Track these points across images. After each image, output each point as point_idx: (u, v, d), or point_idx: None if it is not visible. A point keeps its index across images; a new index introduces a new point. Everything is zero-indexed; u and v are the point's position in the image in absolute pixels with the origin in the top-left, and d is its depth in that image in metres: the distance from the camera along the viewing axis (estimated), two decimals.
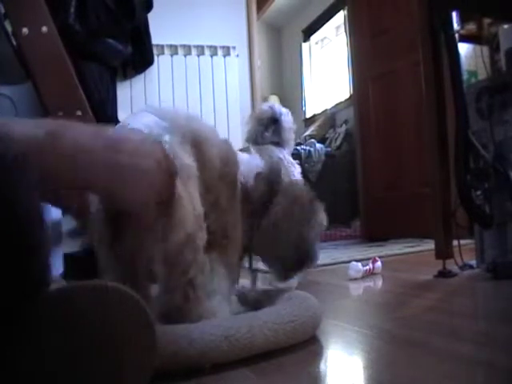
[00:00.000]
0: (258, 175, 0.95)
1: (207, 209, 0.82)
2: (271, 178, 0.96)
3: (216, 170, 0.83)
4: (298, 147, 3.47)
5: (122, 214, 0.65)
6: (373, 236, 3.02)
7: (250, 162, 0.96)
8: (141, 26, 2.31)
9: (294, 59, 5.02)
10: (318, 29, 4.67)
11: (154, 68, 2.51)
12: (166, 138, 0.73)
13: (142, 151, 0.62)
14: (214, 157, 0.83)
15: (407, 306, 1.08)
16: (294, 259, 0.94)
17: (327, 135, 4.09)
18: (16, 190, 0.46)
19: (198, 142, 0.80)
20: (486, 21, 2.08)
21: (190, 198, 0.73)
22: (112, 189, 0.59)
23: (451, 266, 1.36)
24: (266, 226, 0.93)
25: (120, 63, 2.31)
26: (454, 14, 1.36)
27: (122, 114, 2.21)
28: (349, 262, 1.54)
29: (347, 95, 3.93)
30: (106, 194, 0.62)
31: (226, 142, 0.90)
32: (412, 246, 2.28)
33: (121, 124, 0.77)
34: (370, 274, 1.47)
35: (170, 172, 0.65)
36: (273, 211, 0.94)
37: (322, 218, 1.01)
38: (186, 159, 0.74)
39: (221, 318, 0.76)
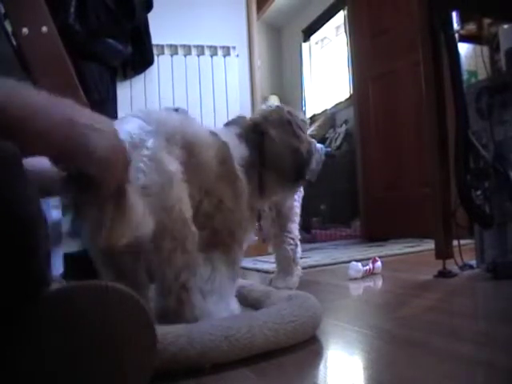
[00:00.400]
0: (239, 136, 0.96)
1: (212, 210, 0.82)
2: (250, 129, 0.98)
3: (213, 171, 0.83)
4: None
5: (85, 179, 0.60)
6: (373, 236, 3.02)
7: (226, 133, 0.95)
8: (141, 25, 2.31)
9: (294, 59, 5.02)
10: (318, 29, 4.67)
11: (153, 68, 2.51)
12: (149, 142, 0.73)
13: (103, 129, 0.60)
14: (209, 159, 0.82)
15: (407, 306, 1.08)
16: (295, 168, 0.98)
17: (327, 135, 4.09)
18: (15, 190, 0.46)
19: (189, 145, 0.78)
20: (486, 21, 2.08)
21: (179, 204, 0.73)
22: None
23: (451, 266, 1.36)
24: (269, 166, 0.97)
25: (120, 63, 2.31)
26: (454, 14, 1.36)
27: (121, 114, 2.21)
28: (349, 261, 1.54)
29: (347, 95, 3.93)
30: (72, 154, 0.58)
31: (223, 143, 0.89)
32: (412, 246, 2.28)
33: None
34: (370, 274, 1.47)
35: (124, 157, 0.62)
36: (268, 155, 0.96)
37: (303, 119, 1.05)
38: (169, 165, 0.73)
39: (217, 318, 0.76)
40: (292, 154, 0.97)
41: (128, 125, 0.75)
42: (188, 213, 0.75)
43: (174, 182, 0.73)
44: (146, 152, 0.72)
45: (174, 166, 0.74)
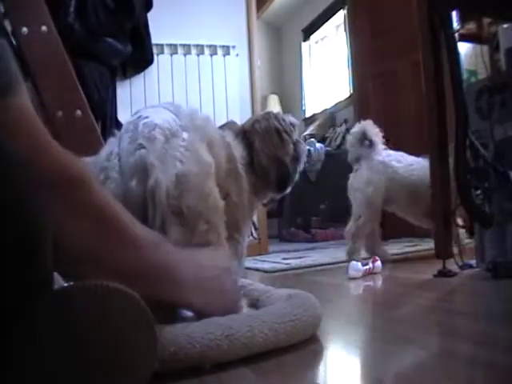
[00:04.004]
0: (235, 138, 0.98)
1: None
2: (241, 135, 1.01)
3: (223, 168, 0.86)
4: None
5: None
6: None
7: (226, 135, 0.97)
8: (140, 25, 2.31)
9: (294, 58, 5.02)
10: (317, 28, 4.67)
11: (153, 67, 2.51)
12: (185, 135, 0.76)
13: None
14: (221, 157, 0.86)
15: (407, 305, 1.08)
16: (278, 179, 1.01)
17: (327, 134, 4.09)
18: (19, 189, 0.46)
19: (210, 143, 0.82)
20: (486, 20, 2.08)
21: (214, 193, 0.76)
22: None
23: (451, 265, 1.36)
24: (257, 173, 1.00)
25: (119, 62, 2.31)
26: (454, 14, 1.36)
27: (121, 114, 2.21)
28: (349, 261, 1.54)
29: (347, 94, 3.93)
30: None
31: (228, 142, 0.92)
32: (412, 246, 2.28)
33: (138, 115, 0.78)
34: (369, 274, 1.47)
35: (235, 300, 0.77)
36: (255, 164, 0.99)
37: (292, 123, 1.06)
38: (206, 156, 0.77)
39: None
40: (276, 165, 1.00)
41: (163, 114, 0.78)
42: (221, 203, 0.78)
43: (210, 172, 0.77)
44: (182, 143, 0.75)
45: (209, 157, 0.78)
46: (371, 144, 1.82)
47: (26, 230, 0.45)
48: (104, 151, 0.78)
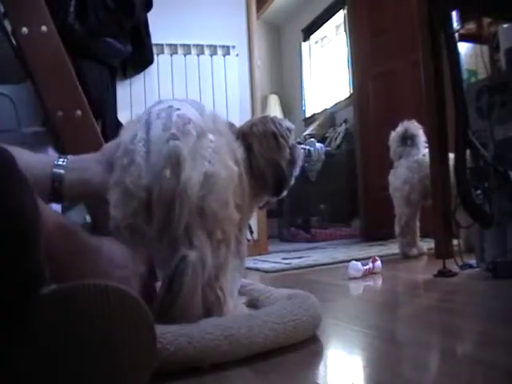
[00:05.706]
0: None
1: None
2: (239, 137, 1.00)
3: None
4: None
5: None
6: (372, 235, 3.02)
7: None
8: (140, 25, 2.31)
9: (294, 58, 5.02)
10: (317, 28, 4.66)
11: (153, 67, 2.51)
12: (211, 137, 0.76)
13: None
14: (232, 160, 0.85)
15: (407, 305, 1.09)
16: (274, 183, 1.00)
17: (327, 134, 4.09)
18: (11, 189, 0.46)
19: (228, 146, 0.82)
20: (486, 20, 2.08)
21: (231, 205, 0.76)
22: None
23: (451, 265, 1.36)
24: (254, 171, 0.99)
25: (119, 62, 2.31)
26: (454, 14, 1.36)
27: (121, 114, 2.21)
28: (348, 261, 1.54)
29: (347, 94, 3.93)
30: None
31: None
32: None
33: (169, 105, 0.77)
34: (369, 274, 1.47)
35: None
36: (253, 162, 0.98)
37: (289, 127, 1.05)
38: (231, 163, 0.77)
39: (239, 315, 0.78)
40: (273, 169, 0.99)
41: (191, 110, 0.78)
42: (236, 216, 0.78)
43: (235, 179, 0.78)
44: (211, 144, 0.75)
45: (233, 165, 0.78)
46: (413, 143, 1.88)
47: (17, 219, 0.45)
48: (127, 133, 0.77)
